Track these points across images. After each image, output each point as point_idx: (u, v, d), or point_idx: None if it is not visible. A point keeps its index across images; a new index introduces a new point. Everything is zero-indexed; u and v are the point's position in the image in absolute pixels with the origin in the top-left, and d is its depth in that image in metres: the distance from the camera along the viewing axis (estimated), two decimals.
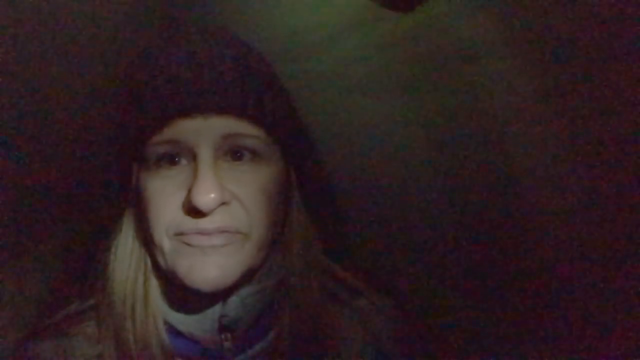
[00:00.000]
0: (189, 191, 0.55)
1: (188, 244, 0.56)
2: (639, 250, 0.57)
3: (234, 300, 0.60)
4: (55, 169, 0.76)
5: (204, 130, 0.55)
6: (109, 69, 0.74)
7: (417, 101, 0.74)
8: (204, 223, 0.55)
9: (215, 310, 0.60)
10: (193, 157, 0.56)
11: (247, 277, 0.59)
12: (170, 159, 0.57)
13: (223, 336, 0.61)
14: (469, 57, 0.68)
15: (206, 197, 0.54)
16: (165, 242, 0.57)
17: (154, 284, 0.62)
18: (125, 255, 0.62)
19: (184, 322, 0.60)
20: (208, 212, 0.54)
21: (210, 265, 0.55)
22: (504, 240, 0.68)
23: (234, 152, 0.57)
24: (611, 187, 0.59)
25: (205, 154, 0.56)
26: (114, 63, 0.74)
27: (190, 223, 0.56)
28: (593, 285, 0.60)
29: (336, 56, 0.77)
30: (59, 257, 0.78)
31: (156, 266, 0.60)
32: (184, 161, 0.57)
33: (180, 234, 0.56)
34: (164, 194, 0.56)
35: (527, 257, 0.66)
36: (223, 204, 0.56)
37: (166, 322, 0.61)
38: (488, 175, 0.70)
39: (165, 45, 0.59)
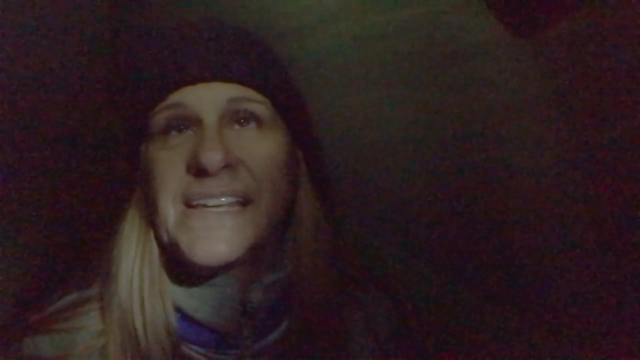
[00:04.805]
0: (195, 154, 0.55)
1: (194, 210, 0.56)
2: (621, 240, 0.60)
3: (257, 286, 0.60)
4: (55, 155, 0.73)
5: (208, 97, 0.57)
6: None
7: (395, 95, 0.75)
8: (210, 186, 0.56)
9: (235, 297, 0.59)
10: (198, 124, 0.57)
11: (252, 255, 0.58)
12: (177, 128, 0.58)
13: (243, 323, 0.60)
14: (457, 54, 0.69)
15: (212, 155, 0.54)
16: (170, 213, 0.57)
17: (163, 269, 0.60)
18: (131, 240, 0.60)
19: (199, 309, 0.59)
20: (214, 171, 0.55)
21: (215, 238, 0.55)
22: (501, 236, 0.69)
23: (239, 118, 0.59)
24: (604, 183, 0.62)
25: (210, 119, 0.57)
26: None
27: (196, 186, 0.56)
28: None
29: (316, 44, 0.78)
30: (47, 248, 0.75)
31: (163, 249, 0.59)
32: (189, 130, 0.58)
33: (186, 202, 0.56)
34: (171, 162, 0.57)
35: (526, 253, 0.67)
36: (229, 166, 0.56)
37: (179, 310, 0.59)
38: (477, 171, 0.71)
39: (165, 23, 0.61)
